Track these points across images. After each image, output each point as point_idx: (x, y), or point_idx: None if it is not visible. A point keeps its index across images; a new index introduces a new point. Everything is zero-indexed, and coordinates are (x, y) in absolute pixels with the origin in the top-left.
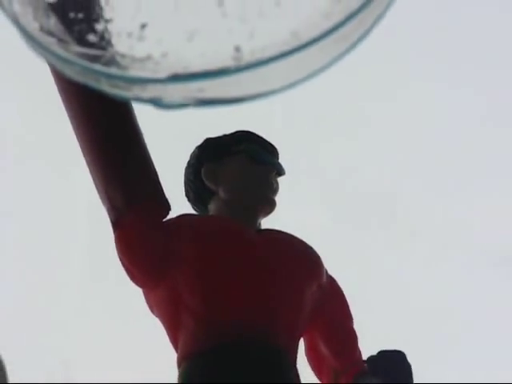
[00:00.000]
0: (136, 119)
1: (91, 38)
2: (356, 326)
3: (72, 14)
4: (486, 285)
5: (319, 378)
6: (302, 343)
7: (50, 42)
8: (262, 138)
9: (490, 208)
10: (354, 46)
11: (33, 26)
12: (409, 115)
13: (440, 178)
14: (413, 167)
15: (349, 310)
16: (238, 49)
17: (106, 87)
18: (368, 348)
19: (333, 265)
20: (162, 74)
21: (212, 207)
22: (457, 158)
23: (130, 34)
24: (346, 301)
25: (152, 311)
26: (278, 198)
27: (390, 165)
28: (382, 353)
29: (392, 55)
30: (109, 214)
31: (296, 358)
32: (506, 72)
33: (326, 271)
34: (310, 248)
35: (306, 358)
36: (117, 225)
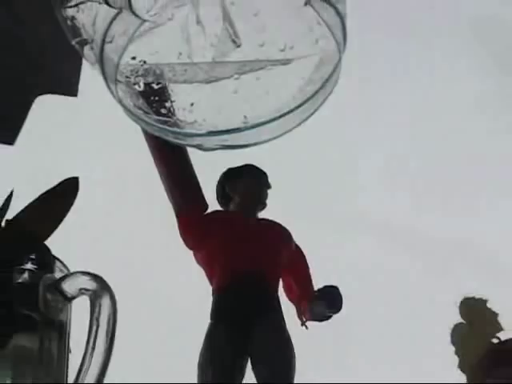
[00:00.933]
0: (188, 156)
1: (163, 110)
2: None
3: (152, 97)
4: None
5: (291, 301)
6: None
7: (140, 113)
8: (259, 168)
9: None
10: (310, 115)
11: (130, 104)
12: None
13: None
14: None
15: (307, 264)
16: (245, 117)
17: (171, 139)
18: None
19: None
20: (203, 131)
21: (231, 206)
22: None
23: (184, 109)
24: (305, 259)
25: (199, 264)
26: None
27: None
28: (325, 286)
29: None
30: (174, 210)
31: (277, 290)
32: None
33: (295, 242)
34: (285, 228)
35: (283, 292)
36: (178, 216)
